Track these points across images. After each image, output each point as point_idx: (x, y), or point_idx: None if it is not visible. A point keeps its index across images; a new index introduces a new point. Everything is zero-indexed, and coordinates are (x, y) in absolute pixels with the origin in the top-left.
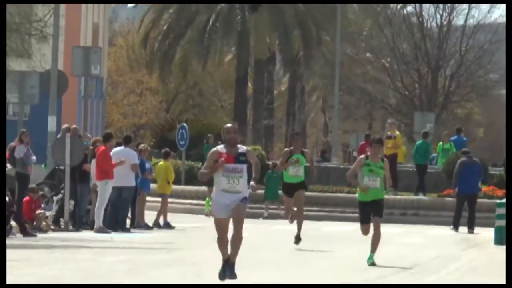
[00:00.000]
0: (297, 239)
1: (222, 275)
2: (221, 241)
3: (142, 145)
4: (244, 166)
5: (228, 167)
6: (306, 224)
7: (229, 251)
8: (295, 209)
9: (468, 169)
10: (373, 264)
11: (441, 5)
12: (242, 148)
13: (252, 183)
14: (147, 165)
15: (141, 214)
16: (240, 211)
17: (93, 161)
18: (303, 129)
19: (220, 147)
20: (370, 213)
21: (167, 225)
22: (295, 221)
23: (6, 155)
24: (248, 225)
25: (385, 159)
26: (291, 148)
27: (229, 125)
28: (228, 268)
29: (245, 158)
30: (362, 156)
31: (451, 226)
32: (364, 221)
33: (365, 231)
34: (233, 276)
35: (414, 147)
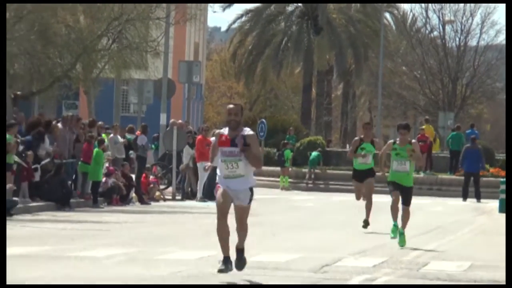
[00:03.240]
0: (366, 223)
1: (225, 268)
2: (221, 225)
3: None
4: None
5: (225, 150)
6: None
7: (231, 249)
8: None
9: (470, 153)
10: (395, 238)
11: (459, 29)
12: (245, 130)
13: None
14: None
15: None
16: (243, 211)
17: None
18: (354, 125)
19: (224, 129)
20: (398, 187)
21: None
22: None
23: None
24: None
25: (414, 141)
26: (362, 136)
27: (231, 105)
28: (236, 256)
29: (242, 141)
30: (390, 141)
31: (462, 198)
32: (394, 194)
33: (394, 210)
34: (240, 264)
35: (450, 136)
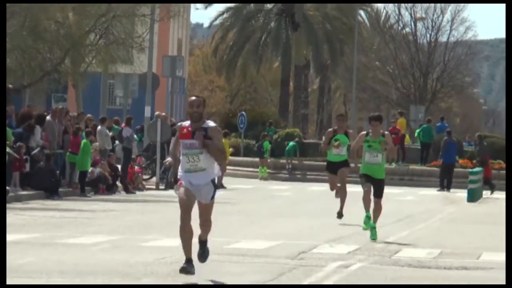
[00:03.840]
0: (340, 215)
1: (187, 269)
2: (184, 225)
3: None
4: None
5: (186, 143)
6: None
7: (193, 250)
8: (339, 185)
9: (450, 145)
10: (368, 229)
11: (430, 26)
12: (207, 123)
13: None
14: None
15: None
16: (206, 209)
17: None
18: (330, 117)
19: (186, 122)
20: (370, 179)
21: (221, 186)
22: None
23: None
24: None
25: (386, 133)
26: (335, 128)
27: (193, 98)
28: (199, 247)
29: (204, 133)
30: (363, 132)
31: (438, 188)
32: (366, 186)
33: (366, 200)
34: (204, 256)
35: (420, 129)
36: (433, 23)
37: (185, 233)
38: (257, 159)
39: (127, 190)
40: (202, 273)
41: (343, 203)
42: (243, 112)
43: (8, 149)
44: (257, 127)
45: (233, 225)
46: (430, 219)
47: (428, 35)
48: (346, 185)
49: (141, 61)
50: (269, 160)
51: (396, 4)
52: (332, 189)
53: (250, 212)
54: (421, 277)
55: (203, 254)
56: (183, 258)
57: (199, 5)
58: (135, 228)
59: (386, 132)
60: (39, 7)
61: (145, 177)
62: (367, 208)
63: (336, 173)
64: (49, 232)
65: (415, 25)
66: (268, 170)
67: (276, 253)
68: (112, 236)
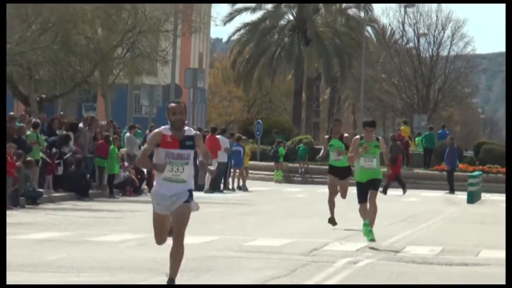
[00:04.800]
0: (332, 221)
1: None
2: (160, 241)
3: (239, 135)
4: (191, 152)
5: (172, 152)
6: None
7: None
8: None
9: (454, 151)
10: (373, 240)
11: (432, 41)
12: (190, 130)
13: (211, 167)
14: (239, 148)
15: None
16: (184, 213)
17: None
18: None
19: (164, 128)
20: (368, 193)
21: (245, 188)
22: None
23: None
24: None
25: (380, 138)
26: (331, 135)
27: (173, 104)
28: None
29: (192, 142)
30: (357, 137)
31: (447, 191)
32: (362, 201)
33: (363, 211)
34: None
35: (423, 136)
36: (435, 39)
37: (162, 242)
38: (272, 163)
39: None
40: (221, 268)
41: (333, 210)
42: (259, 120)
43: (41, 154)
44: (272, 134)
45: (250, 224)
46: (432, 219)
47: (430, 50)
48: (347, 193)
49: (165, 73)
50: (283, 164)
51: (400, 19)
52: (330, 195)
53: (266, 213)
54: (424, 272)
55: None
56: (205, 254)
57: (218, 22)
58: None
59: (379, 137)
60: (69, 22)
61: None
62: (364, 215)
63: (338, 176)
64: (79, 230)
65: (418, 41)
66: (282, 174)
67: (290, 250)
68: (139, 234)
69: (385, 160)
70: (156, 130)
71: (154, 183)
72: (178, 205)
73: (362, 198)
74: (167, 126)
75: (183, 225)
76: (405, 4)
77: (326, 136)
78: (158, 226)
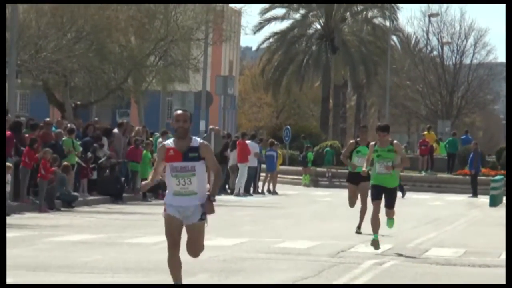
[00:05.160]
0: (359, 229)
1: None
2: (172, 256)
3: (272, 140)
4: (196, 164)
5: (176, 166)
6: None
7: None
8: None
9: (478, 156)
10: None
11: (455, 50)
12: (195, 140)
13: (212, 198)
14: (272, 153)
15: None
16: (196, 232)
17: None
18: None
19: (170, 141)
20: (381, 193)
21: (275, 192)
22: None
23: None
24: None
25: (396, 142)
26: (357, 139)
27: (178, 112)
28: None
29: (196, 154)
30: (372, 143)
31: (470, 195)
32: (376, 198)
33: (373, 221)
34: None
35: (447, 141)
36: (458, 47)
37: (174, 263)
38: (300, 168)
39: None
40: (251, 269)
41: (363, 216)
42: (288, 126)
43: (76, 159)
44: (300, 139)
45: (279, 226)
46: (456, 222)
47: (453, 58)
48: (367, 201)
49: (196, 80)
50: (311, 169)
51: (424, 28)
52: (351, 204)
53: (294, 215)
54: (448, 273)
55: None
56: (235, 256)
57: (248, 31)
58: None
59: (395, 141)
60: (103, 30)
61: None
62: (375, 229)
63: (357, 183)
64: (113, 233)
65: (442, 49)
66: (310, 178)
67: (317, 252)
68: None
69: (397, 164)
70: (160, 144)
71: (166, 196)
72: (192, 222)
73: (376, 195)
74: (172, 139)
75: (199, 242)
76: (429, 14)
77: (352, 141)
78: (171, 228)
